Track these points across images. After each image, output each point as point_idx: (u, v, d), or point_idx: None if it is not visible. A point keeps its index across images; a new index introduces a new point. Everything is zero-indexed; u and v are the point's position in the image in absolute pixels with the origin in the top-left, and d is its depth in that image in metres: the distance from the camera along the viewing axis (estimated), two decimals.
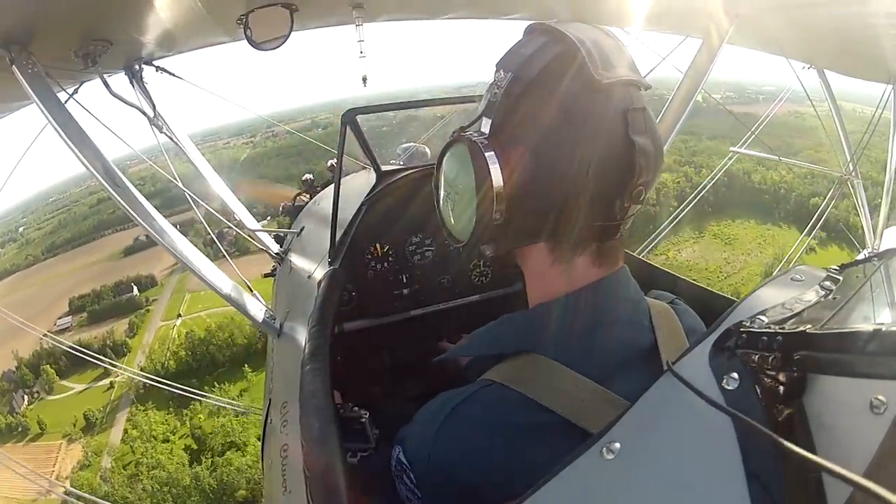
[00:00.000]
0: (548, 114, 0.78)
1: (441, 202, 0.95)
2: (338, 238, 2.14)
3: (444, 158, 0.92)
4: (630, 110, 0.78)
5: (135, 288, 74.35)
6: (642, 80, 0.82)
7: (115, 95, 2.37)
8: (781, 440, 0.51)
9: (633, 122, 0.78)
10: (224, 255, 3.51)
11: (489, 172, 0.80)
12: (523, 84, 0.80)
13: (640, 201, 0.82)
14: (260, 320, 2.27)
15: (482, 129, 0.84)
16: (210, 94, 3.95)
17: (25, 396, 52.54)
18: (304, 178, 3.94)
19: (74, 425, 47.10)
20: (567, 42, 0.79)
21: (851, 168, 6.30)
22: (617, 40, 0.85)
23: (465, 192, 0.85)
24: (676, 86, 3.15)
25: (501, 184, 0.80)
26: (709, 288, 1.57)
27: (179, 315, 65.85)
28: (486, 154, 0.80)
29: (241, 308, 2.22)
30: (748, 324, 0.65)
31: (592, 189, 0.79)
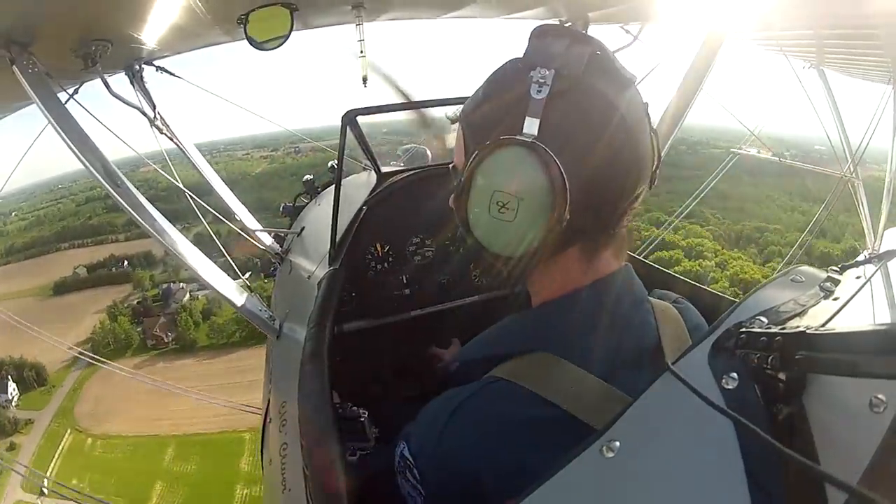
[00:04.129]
0: (599, 110, 0.80)
1: (487, 214, 0.84)
2: (338, 239, 2.14)
3: (491, 165, 0.83)
4: (647, 104, 0.84)
5: (10, 386, 46.31)
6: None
7: (115, 96, 2.38)
8: (779, 442, 0.51)
9: (650, 115, 0.85)
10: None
11: (563, 175, 0.77)
12: (570, 81, 0.79)
13: (654, 185, 0.88)
14: (260, 321, 2.26)
15: (527, 130, 0.79)
16: (218, 99, 3.95)
17: None
18: (304, 178, 3.92)
19: None
20: (592, 43, 0.82)
21: (852, 169, 6.29)
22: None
23: (534, 201, 0.79)
24: (677, 85, 3.15)
25: (569, 187, 0.78)
26: (709, 289, 1.57)
27: (42, 493, 32.54)
28: (553, 156, 0.77)
29: (241, 308, 2.22)
30: (748, 324, 0.66)
31: (638, 181, 0.83)
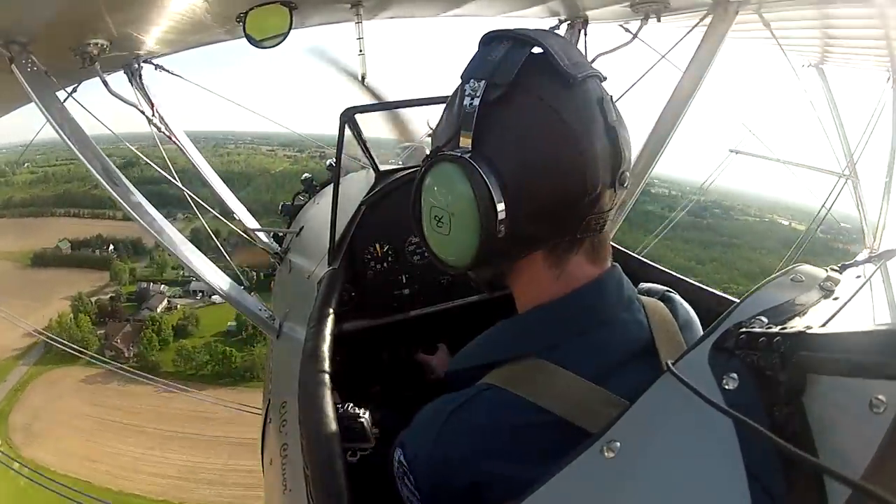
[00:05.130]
0: (534, 115, 0.79)
1: (429, 228, 0.90)
2: (337, 238, 2.14)
3: (427, 180, 0.87)
4: (602, 100, 0.81)
5: None
6: (600, 72, 0.84)
7: (113, 94, 2.37)
8: (780, 441, 0.51)
9: (609, 111, 0.81)
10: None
11: (489, 188, 0.77)
12: (501, 89, 0.78)
13: (625, 186, 0.84)
14: (259, 320, 2.26)
15: (462, 144, 0.81)
16: (217, 96, 3.94)
17: None
18: (303, 177, 3.91)
19: None
20: (532, 43, 0.80)
21: (850, 168, 6.27)
22: (566, 39, 0.86)
23: (462, 215, 0.81)
24: (676, 83, 3.14)
25: (502, 198, 0.78)
26: (708, 288, 1.57)
27: None
28: (481, 170, 0.78)
29: (241, 308, 2.22)
30: (748, 324, 0.66)
31: (587, 183, 0.79)
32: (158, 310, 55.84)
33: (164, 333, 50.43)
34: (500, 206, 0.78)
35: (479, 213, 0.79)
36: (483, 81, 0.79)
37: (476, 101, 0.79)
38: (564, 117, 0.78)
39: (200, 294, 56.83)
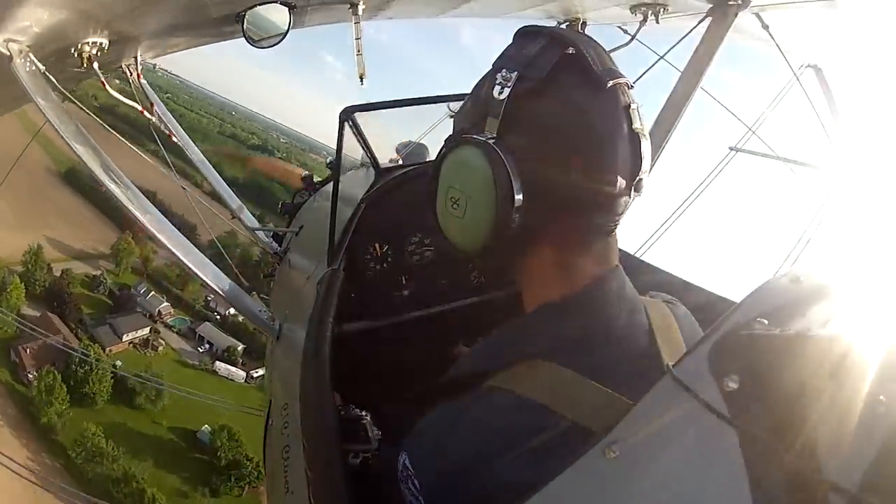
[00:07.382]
0: (562, 113, 0.80)
1: (444, 208, 0.92)
2: (337, 237, 2.14)
3: (448, 162, 0.90)
4: (629, 107, 0.82)
5: None
6: (628, 79, 0.85)
7: (113, 94, 2.37)
8: (780, 444, 0.51)
9: (634, 119, 0.82)
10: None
11: (509, 176, 0.79)
12: (533, 83, 0.80)
13: (640, 192, 0.85)
14: (260, 322, 2.26)
15: (488, 130, 0.83)
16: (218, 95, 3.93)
17: None
18: (302, 175, 3.91)
19: None
20: (568, 43, 0.81)
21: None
22: (599, 44, 0.87)
23: (480, 199, 0.83)
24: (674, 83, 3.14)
25: (520, 187, 0.80)
26: (708, 289, 1.58)
27: None
28: (504, 156, 0.80)
29: (241, 308, 2.21)
30: (748, 326, 0.66)
31: (605, 187, 0.81)
32: (124, 339, 34.91)
33: (91, 387, 28.46)
34: (518, 196, 0.80)
35: (496, 199, 0.80)
36: (516, 73, 0.81)
37: (507, 91, 0.81)
38: (591, 120, 0.79)
39: (207, 347, 39.60)
